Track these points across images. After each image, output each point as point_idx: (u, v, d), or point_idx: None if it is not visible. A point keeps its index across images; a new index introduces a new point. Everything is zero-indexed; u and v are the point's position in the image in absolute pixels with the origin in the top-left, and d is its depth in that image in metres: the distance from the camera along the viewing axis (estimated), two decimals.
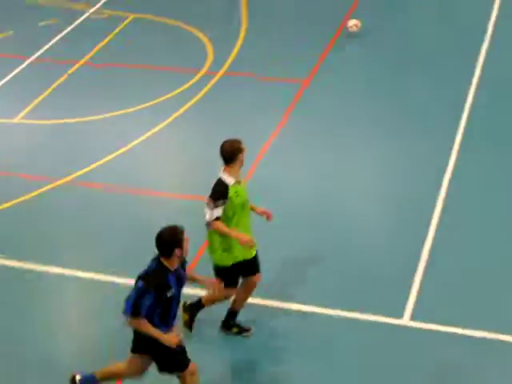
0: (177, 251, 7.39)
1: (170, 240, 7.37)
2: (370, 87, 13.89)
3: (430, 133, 12.56)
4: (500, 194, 11.20)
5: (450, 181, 11.43)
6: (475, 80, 13.77)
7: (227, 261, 8.54)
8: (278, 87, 13.88)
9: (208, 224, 8.39)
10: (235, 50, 15.05)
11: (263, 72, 14.35)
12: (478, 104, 13.14)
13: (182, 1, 17.22)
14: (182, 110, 13.33)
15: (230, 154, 8.35)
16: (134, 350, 7.73)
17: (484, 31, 15.24)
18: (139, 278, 7.40)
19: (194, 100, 13.60)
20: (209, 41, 15.40)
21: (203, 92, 13.81)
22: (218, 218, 8.32)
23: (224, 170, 8.41)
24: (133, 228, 10.83)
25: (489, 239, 10.36)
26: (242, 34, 15.63)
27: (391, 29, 15.73)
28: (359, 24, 15.26)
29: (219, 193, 8.31)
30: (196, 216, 11.01)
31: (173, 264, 7.46)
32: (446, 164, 11.74)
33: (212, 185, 8.40)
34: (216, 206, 8.29)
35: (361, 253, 10.20)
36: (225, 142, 8.42)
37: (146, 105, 13.53)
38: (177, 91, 13.84)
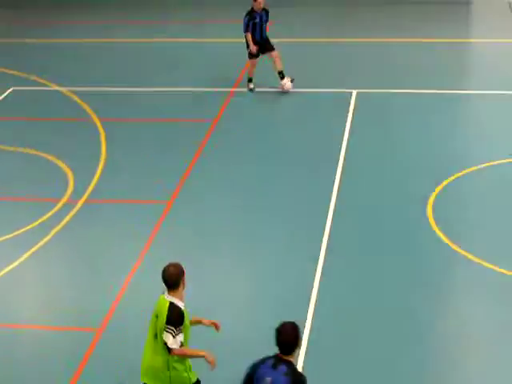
0: (298, 350, 7.46)
1: (295, 336, 7.39)
2: (232, 201, 14.01)
3: (297, 239, 12.75)
4: (365, 309, 11.30)
5: (317, 300, 11.43)
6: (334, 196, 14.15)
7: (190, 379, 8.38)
8: (141, 211, 13.78)
9: (172, 351, 8.21)
10: (96, 178, 14.92)
11: (125, 197, 14.26)
12: (338, 217, 13.44)
13: (42, 130, 17.06)
14: (43, 241, 12.99)
15: (176, 277, 8.24)
16: None
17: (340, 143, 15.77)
18: None
19: (56, 230, 13.30)
20: (69, 170, 15.22)
21: (65, 221, 13.54)
22: (182, 344, 8.23)
23: (170, 294, 8.28)
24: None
25: (359, 361, 10.33)
26: (102, 162, 15.55)
27: (253, 148, 16.03)
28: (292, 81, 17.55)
29: (178, 318, 8.20)
30: (65, 348, 10.77)
31: (293, 359, 7.45)
32: (312, 283, 11.76)
33: (167, 311, 8.17)
34: (178, 332, 8.19)
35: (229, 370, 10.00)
36: (168, 267, 8.27)
37: (5, 238, 13.14)
38: (37, 222, 13.52)
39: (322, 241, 12.60)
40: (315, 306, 11.15)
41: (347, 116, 17.00)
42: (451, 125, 16.69)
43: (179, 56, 21.41)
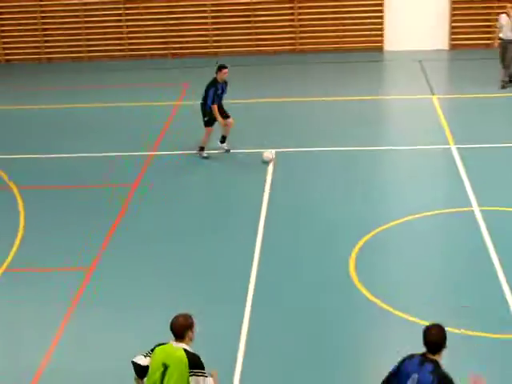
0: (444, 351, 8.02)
1: (443, 336, 7.96)
2: (153, 266, 13.88)
3: (218, 308, 12.67)
4: None
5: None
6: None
7: None
8: (61, 278, 13.56)
9: None
10: (15, 247, 14.67)
11: (44, 266, 14.02)
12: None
13: None
14: None
15: (183, 329, 8.31)
16: None
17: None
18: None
19: None
20: None
21: None
22: None
23: (181, 343, 8.31)
24: None
25: None
26: (21, 230, 15.31)
27: (174, 211, 16.00)
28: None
29: (199, 361, 8.28)
30: None
31: (440, 359, 7.99)
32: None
33: (185, 357, 8.21)
34: (207, 375, 8.26)
35: None
36: (178, 318, 8.36)
37: None
38: None
39: (245, 309, 12.47)
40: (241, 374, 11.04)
41: (266, 176, 17.12)
42: (369, 180, 16.97)
43: (96, 121, 21.37)
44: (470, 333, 11.58)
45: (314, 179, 17.06)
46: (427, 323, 11.63)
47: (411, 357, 8.06)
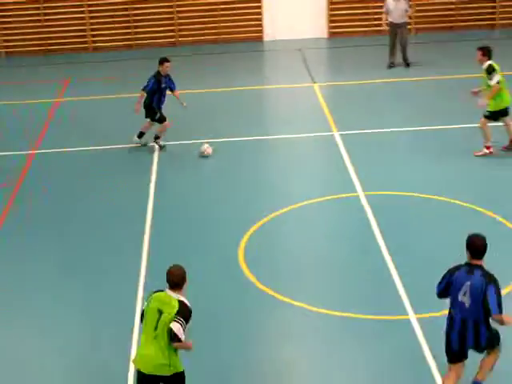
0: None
1: (486, 243, 9.29)
2: (38, 267, 13.54)
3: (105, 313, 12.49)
4: None
5: None
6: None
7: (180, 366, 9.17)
8: None
9: (178, 340, 8.83)
10: None
11: None
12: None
13: None
14: None
15: (182, 276, 9.02)
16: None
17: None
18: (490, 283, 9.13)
19: None
20: None
21: None
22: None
23: (177, 293, 8.99)
24: None
25: None
26: None
27: (60, 210, 15.67)
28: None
29: (188, 314, 8.98)
30: None
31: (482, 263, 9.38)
32: None
33: (178, 306, 8.88)
34: (185, 327, 8.88)
35: None
36: (173, 270, 9.04)
37: None
38: None
39: (135, 310, 12.25)
40: None
41: (152, 169, 16.94)
42: (253, 170, 17.01)
43: None
44: (360, 316, 11.75)
45: (198, 171, 16.98)
46: (318, 309, 11.82)
47: (458, 268, 9.33)
